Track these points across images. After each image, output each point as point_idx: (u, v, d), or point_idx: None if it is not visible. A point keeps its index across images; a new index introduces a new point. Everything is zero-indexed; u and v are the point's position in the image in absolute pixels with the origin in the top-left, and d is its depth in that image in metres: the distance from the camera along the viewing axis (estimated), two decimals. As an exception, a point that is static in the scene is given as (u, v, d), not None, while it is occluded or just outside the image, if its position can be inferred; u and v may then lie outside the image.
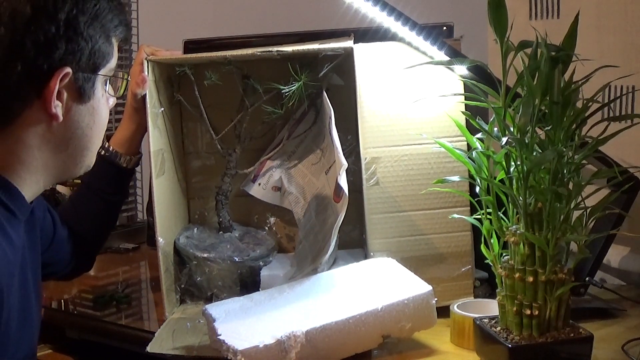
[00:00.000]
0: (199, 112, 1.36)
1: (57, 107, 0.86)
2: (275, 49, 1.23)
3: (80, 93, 0.89)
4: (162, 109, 1.31)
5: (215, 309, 1.09)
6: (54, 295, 1.45)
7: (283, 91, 1.28)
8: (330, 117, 1.22)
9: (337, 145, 1.18)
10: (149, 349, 1.08)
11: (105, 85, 0.94)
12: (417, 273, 1.14)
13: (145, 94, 1.23)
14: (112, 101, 0.98)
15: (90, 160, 0.96)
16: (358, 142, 1.28)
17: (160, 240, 1.24)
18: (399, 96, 1.23)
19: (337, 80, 1.37)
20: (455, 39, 1.27)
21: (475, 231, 1.22)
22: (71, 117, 0.89)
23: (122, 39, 0.95)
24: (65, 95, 0.87)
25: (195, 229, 1.39)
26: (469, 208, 1.21)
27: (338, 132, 1.20)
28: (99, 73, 0.91)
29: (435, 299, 1.08)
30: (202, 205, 1.47)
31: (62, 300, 1.43)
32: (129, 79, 0.99)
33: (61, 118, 0.87)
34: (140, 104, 1.24)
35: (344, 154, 1.17)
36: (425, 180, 1.22)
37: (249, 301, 1.12)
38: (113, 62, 0.94)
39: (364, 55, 1.24)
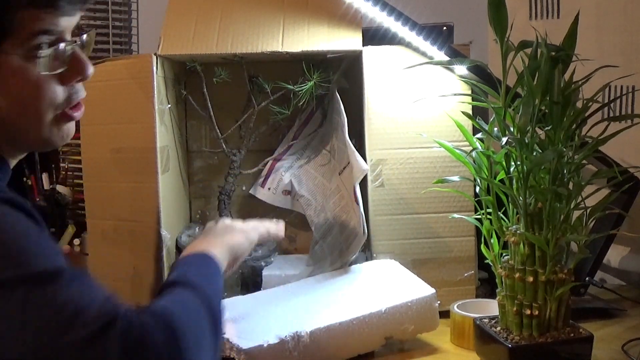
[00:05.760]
0: (205, 111, 1.35)
1: None
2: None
3: None
4: (169, 105, 1.32)
5: (218, 307, 1.09)
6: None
7: (296, 91, 1.27)
8: (344, 124, 1.22)
9: (353, 150, 1.18)
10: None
11: (34, 59, 0.74)
12: (420, 276, 1.14)
13: (154, 94, 1.22)
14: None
15: (40, 135, 0.78)
16: (361, 145, 1.28)
17: (165, 233, 1.24)
18: (405, 99, 1.23)
19: (343, 82, 1.37)
20: (464, 44, 1.27)
21: (476, 231, 1.22)
22: None
23: (42, 5, 0.73)
24: None
25: (197, 228, 1.39)
26: (473, 213, 1.21)
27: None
28: None
29: (439, 302, 1.08)
30: (204, 205, 1.47)
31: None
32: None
33: None
34: None
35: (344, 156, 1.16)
36: (431, 184, 1.22)
37: (253, 300, 1.13)
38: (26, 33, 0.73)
39: (371, 57, 1.24)
